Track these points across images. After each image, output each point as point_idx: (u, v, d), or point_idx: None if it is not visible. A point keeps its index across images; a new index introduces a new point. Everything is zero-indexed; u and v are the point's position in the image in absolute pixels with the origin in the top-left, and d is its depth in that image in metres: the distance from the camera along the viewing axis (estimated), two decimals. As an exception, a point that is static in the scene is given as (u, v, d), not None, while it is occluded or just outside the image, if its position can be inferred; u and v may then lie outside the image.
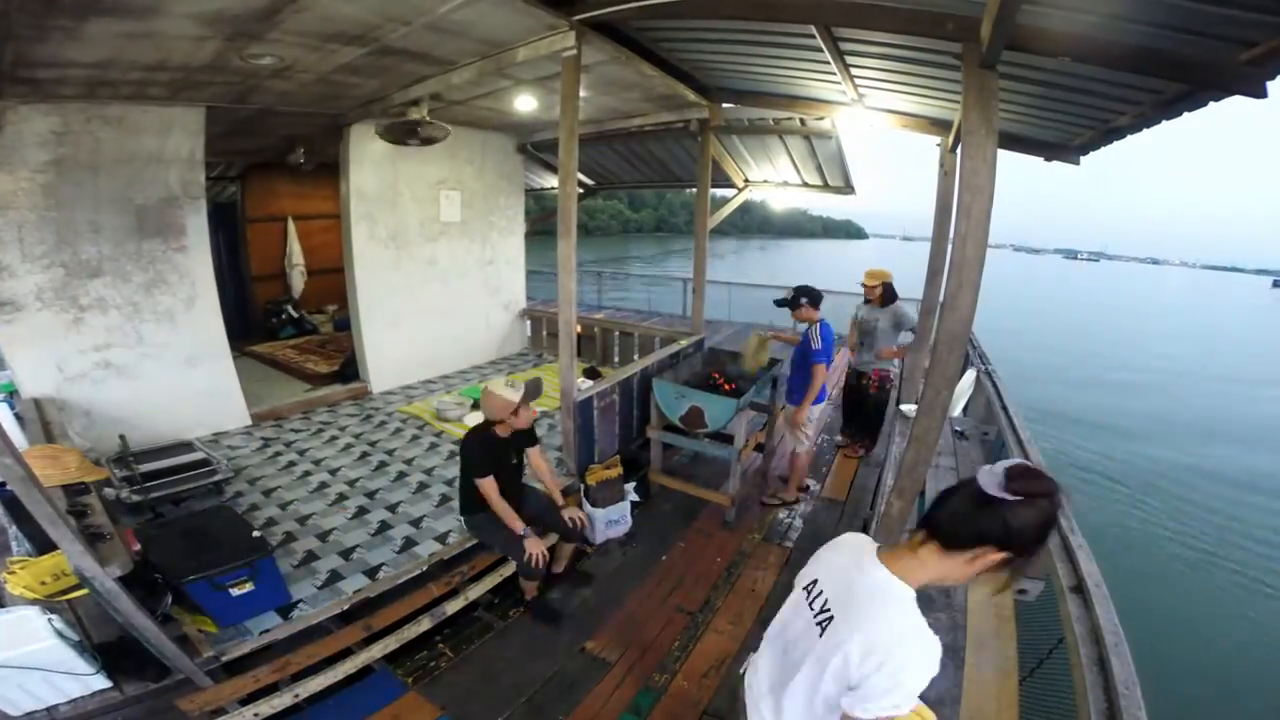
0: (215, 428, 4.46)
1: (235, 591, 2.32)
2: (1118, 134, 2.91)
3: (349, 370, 5.77)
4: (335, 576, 2.75)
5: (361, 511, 3.38)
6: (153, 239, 4.00)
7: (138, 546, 2.38)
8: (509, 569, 3.21)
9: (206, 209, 4.29)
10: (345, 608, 2.56)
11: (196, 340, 4.29)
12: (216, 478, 3.45)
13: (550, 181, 8.07)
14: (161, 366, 4.12)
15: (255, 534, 2.54)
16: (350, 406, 5.18)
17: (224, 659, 2.21)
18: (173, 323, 4.15)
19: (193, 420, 4.29)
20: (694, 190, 5.34)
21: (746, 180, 6.30)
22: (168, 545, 2.39)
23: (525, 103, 4.62)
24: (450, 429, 4.69)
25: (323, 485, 3.70)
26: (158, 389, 4.09)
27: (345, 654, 2.47)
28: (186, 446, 3.80)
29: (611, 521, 3.67)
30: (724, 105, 4.58)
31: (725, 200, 6.41)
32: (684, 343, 5.27)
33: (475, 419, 4.69)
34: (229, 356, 4.55)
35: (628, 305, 11.31)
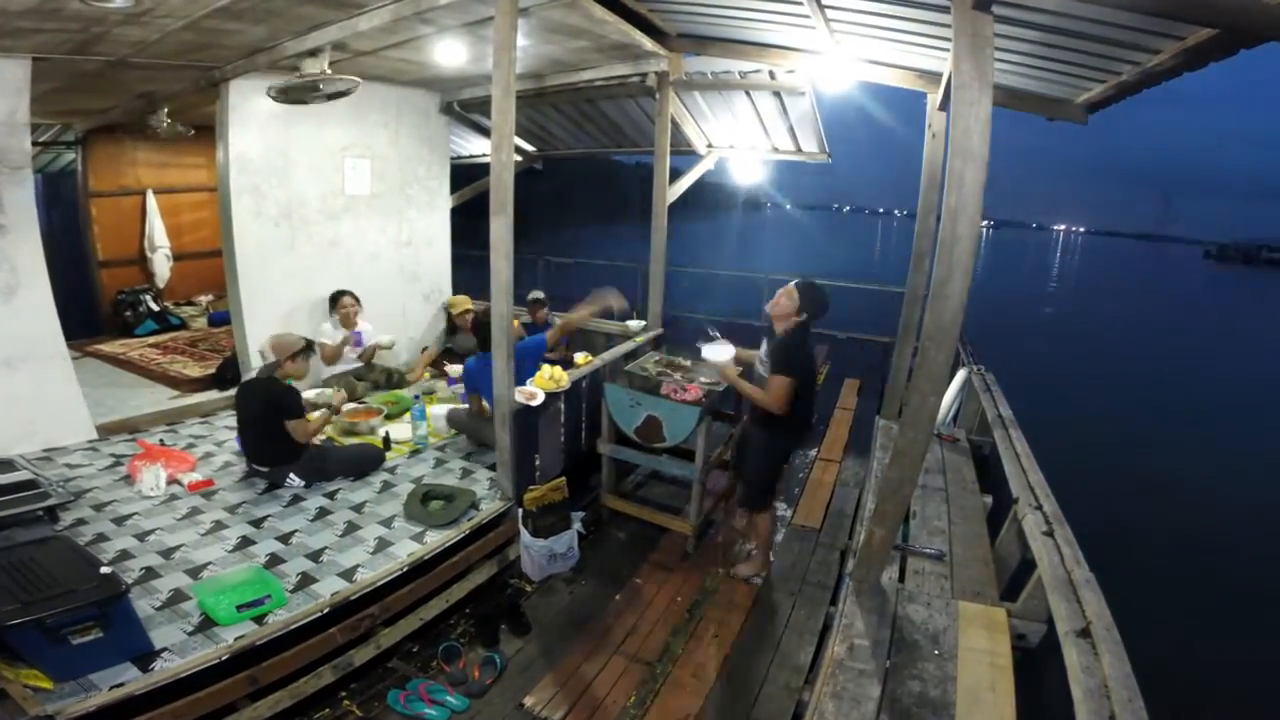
0: (48, 443, 4.16)
1: (78, 639, 2.14)
2: (1132, 88, 3.00)
3: (228, 373, 5.52)
4: (211, 620, 2.60)
5: (245, 542, 3.22)
6: (-45, 217, 3.73)
7: (-66, 587, 2.19)
8: (430, 611, 3.16)
9: (33, 181, 4.05)
10: (224, 657, 2.41)
11: (18, 338, 4.00)
12: (48, 502, 3.22)
13: (482, 147, 8.00)
14: (-30, 370, 3.83)
15: (104, 569, 2.37)
16: (230, 417, 4.92)
17: (60, 720, 2.05)
18: (-15, 318, 3.87)
19: (15, 434, 4.00)
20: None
21: (710, 145, 6.42)
22: (-19, 585, 2.21)
23: (451, 53, 4.54)
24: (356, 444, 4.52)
25: (194, 511, 3.50)
26: (-35, 397, 3.80)
27: (227, 711, 2.34)
28: (5, 465, 3.54)
29: (556, 555, 3.61)
30: (685, 56, 4.66)
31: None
32: (639, 340, 5.30)
33: (393, 430, 4.57)
34: (66, 358, 4.28)
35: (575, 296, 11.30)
